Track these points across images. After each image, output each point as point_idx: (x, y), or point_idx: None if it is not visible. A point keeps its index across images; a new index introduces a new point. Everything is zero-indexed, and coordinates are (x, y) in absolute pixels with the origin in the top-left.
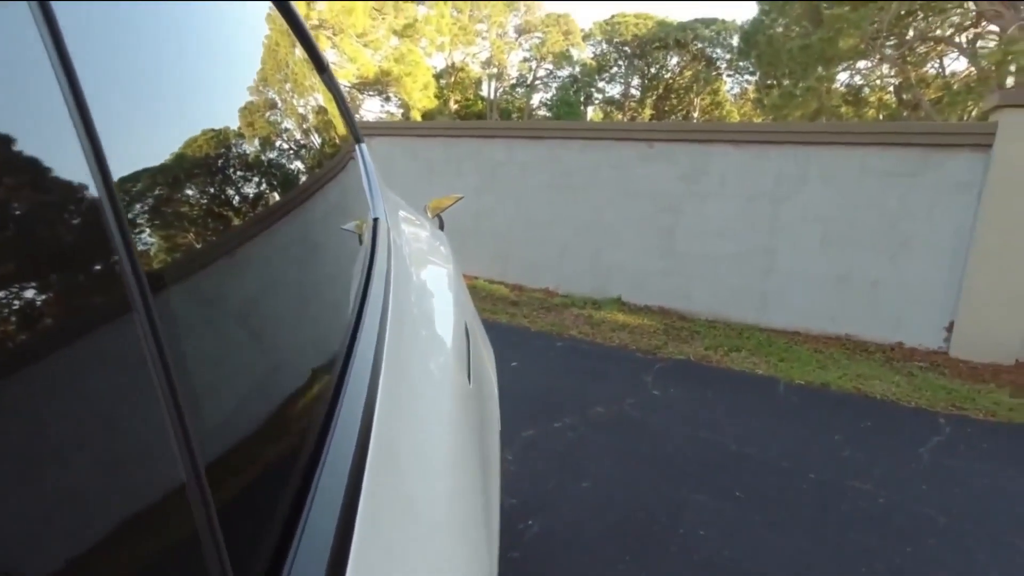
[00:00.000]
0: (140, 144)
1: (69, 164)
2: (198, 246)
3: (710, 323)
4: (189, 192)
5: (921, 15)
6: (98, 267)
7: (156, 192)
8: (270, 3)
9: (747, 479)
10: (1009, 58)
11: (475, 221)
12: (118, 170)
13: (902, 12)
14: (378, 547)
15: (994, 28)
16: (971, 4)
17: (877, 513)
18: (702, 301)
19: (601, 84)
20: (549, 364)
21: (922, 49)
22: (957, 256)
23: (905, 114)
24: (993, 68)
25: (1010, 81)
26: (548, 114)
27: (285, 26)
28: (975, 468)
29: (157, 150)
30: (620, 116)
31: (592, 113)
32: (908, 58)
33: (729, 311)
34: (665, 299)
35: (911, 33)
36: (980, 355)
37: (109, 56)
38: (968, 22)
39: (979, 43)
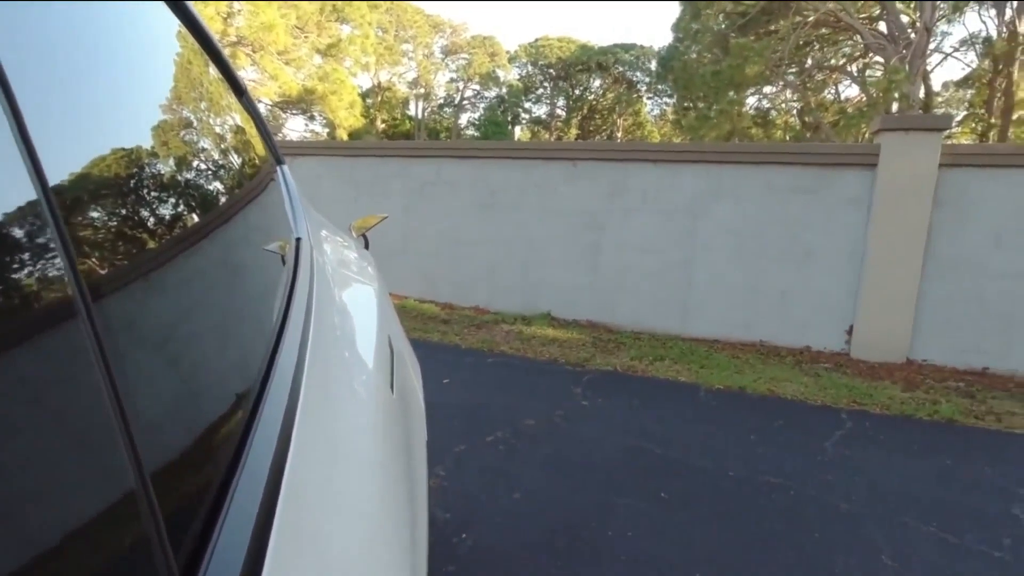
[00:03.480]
0: (53, 162)
1: None
2: (113, 267)
3: (635, 335)
4: (94, 214)
5: (817, 46)
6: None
7: (79, 211)
8: (179, 22)
9: (671, 481)
10: (892, 86)
11: (403, 241)
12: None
13: (800, 42)
14: (295, 553)
15: (880, 59)
16: (859, 37)
17: (788, 504)
18: (627, 314)
19: (528, 105)
20: (480, 380)
21: (820, 76)
22: (853, 265)
23: (808, 135)
24: (879, 95)
25: (895, 106)
26: (476, 134)
27: (197, 46)
28: (872, 457)
29: (58, 168)
30: (547, 136)
31: (520, 133)
32: (808, 84)
33: (653, 322)
34: (592, 313)
35: (809, 62)
36: (876, 355)
37: (30, 65)
38: (857, 53)
39: (867, 72)
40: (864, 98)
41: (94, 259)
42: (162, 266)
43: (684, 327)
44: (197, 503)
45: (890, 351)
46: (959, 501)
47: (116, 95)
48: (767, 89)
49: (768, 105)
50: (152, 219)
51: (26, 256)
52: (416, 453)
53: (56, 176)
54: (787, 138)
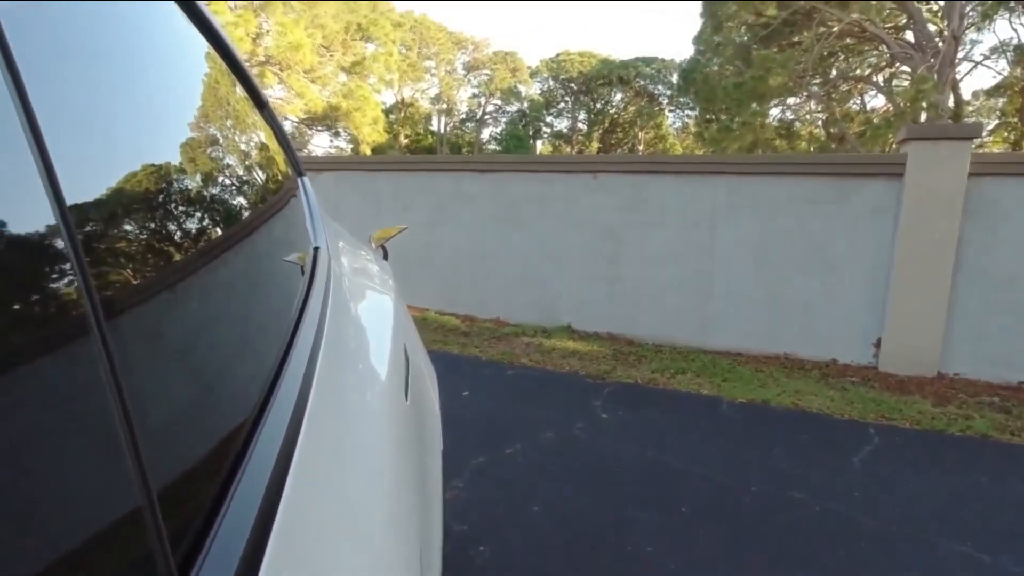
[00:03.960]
0: (84, 178)
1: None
2: (141, 279)
3: (657, 347)
4: (127, 227)
5: (842, 56)
6: (47, 297)
7: (100, 225)
8: (207, 43)
9: (692, 495)
10: (920, 95)
11: (424, 253)
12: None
13: (824, 53)
14: (292, 561)
15: (906, 69)
16: (885, 47)
17: (813, 520)
18: (648, 326)
19: (549, 119)
20: (500, 392)
21: (845, 87)
22: (879, 276)
23: (833, 146)
24: (907, 104)
25: (924, 116)
26: (498, 148)
27: (224, 65)
28: (902, 474)
29: (96, 185)
30: (568, 149)
31: (541, 147)
32: (832, 95)
33: (674, 335)
34: (613, 325)
35: (834, 72)
36: (905, 369)
37: (59, 86)
38: (884, 63)
39: (894, 82)
40: (891, 108)
41: (110, 269)
42: (177, 276)
43: (705, 339)
44: (190, 514)
45: (920, 364)
46: (994, 520)
47: (150, 115)
48: (791, 100)
49: (792, 116)
50: (169, 231)
51: (38, 266)
52: (431, 461)
53: (71, 189)
54: (811, 149)
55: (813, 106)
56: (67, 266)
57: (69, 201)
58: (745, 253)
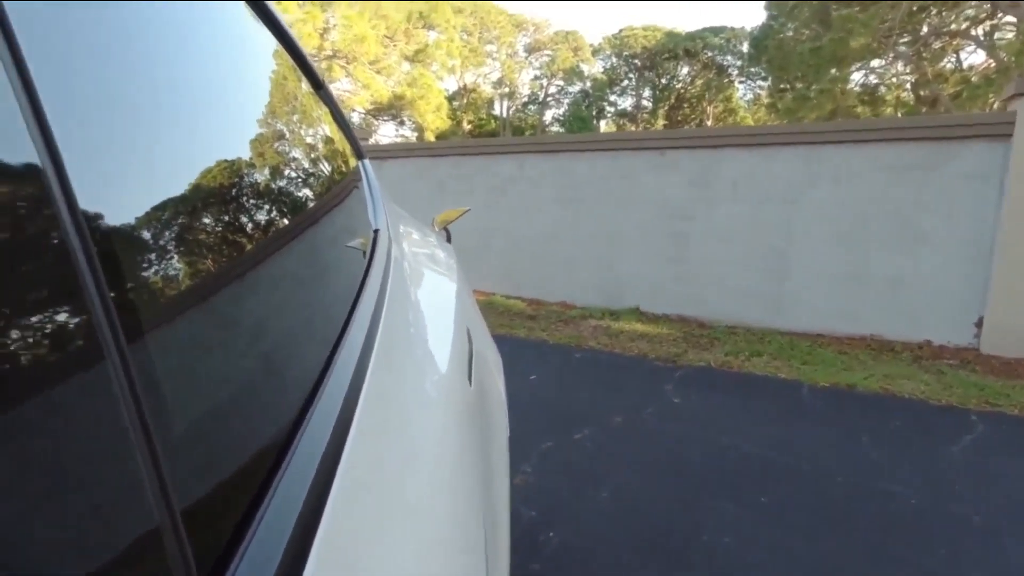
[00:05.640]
0: (154, 176)
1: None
2: (196, 264)
3: (729, 328)
4: (187, 223)
5: (934, 11)
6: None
7: (153, 221)
8: (274, 39)
9: (771, 485)
10: None
11: (487, 237)
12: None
13: (914, 8)
14: (341, 555)
15: (1011, 19)
16: None
17: (909, 515)
18: (719, 307)
19: (613, 98)
20: (568, 376)
21: (937, 44)
22: (980, 249)
23: (924, 110)
24: (1011, 59)
25: None
26: (560, 130)
27: (290, 60)
28: (1010, 464)
29: (159, 183)
30: (633, 128)
31: (604, 126)
32: (923, 54)
33: (747, 316)
34: (682, 307)
35: (925, 29)
36: (1013, 350)
37: (134, 91)
38: (983, 14)
39: (996, 35)
40: (992, 64)
41: (169, 264)
42: (237, 269)
43: (781, 320)
44: (226, 511)
45: None
46: None
47: (220, 111)
48: (875, 63)
49: (876, 80)
50: (229, 224)
51: (42, 260)
52: (496, 446)
53: (134, 186)
54: (898, 114)
55: (900, 68)
56: (96, 264)
57: (125, 198)
58: (824, 227)
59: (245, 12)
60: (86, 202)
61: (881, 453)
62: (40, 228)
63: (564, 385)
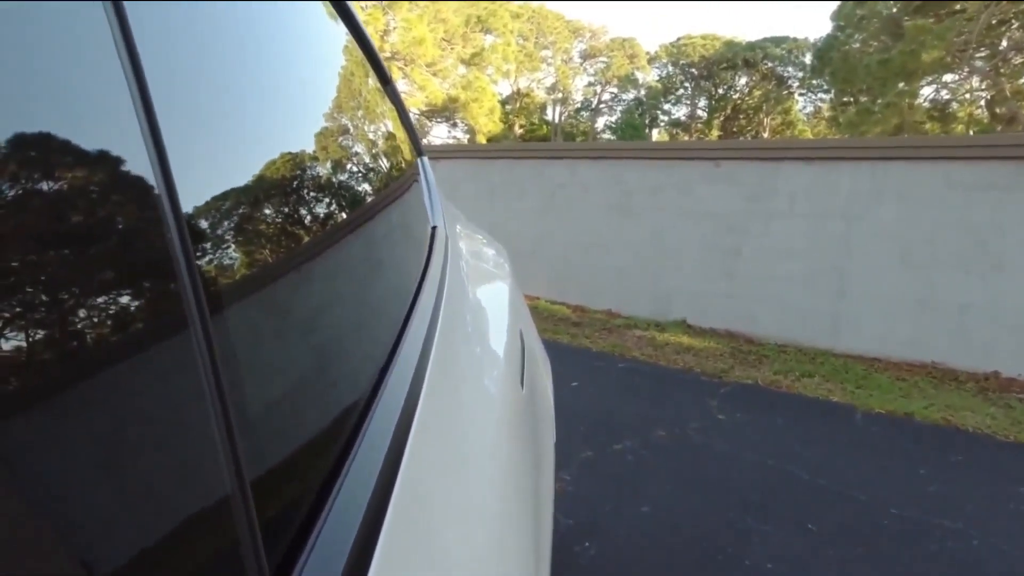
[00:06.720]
0: (214, 161)
1: (137, 171)
2: (260, 258)
3: (780, 347)
4: (257, 209)
5: (1016, 24)
6: (160, 276)
7: (224, 209)
8: (347, 34)
9: (820, 511)
10: None
11: (536, 242)
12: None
13: (993, 22)
14: (406, 555)
15: None
16: None
17: (969, 556)
18: (770, 324)
19: (667, 106)
20: (610, 386)
21: (1018, 60)
22: None
23: (999, 128)
24: None
25: None
26: (612, 137)
27: (360, 55)
28: None
29: (232, 169)
30: (686, 138)
31: (657, 135)
32: (1002, 70)
33: (799, 335)
34: (731, 322)
35: (1004, 43)
36: None
37: (206, 83)
38: None
39: None
40: None
41: (221, 256)
42: (297, 261)
43: (835, 341)
44: (295, 502)
45: None
46: None
47: (289, 104)
48: (947, 77)
49: (947, 96)
50: (293, 216)
51: (143, 255)
52: (544, 452)
53: (206, 179)
54: (970, 132)
55: (975, 83)
56: (170, 253)
57: (216, 185)
58: (887, 247)
59: (322, 8)
60: (183, 189)
61: (940, 487)
62: (140, 213)
63: (606, 394)
